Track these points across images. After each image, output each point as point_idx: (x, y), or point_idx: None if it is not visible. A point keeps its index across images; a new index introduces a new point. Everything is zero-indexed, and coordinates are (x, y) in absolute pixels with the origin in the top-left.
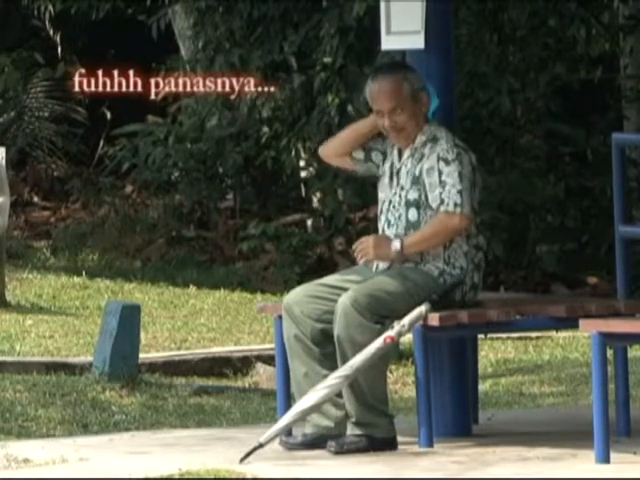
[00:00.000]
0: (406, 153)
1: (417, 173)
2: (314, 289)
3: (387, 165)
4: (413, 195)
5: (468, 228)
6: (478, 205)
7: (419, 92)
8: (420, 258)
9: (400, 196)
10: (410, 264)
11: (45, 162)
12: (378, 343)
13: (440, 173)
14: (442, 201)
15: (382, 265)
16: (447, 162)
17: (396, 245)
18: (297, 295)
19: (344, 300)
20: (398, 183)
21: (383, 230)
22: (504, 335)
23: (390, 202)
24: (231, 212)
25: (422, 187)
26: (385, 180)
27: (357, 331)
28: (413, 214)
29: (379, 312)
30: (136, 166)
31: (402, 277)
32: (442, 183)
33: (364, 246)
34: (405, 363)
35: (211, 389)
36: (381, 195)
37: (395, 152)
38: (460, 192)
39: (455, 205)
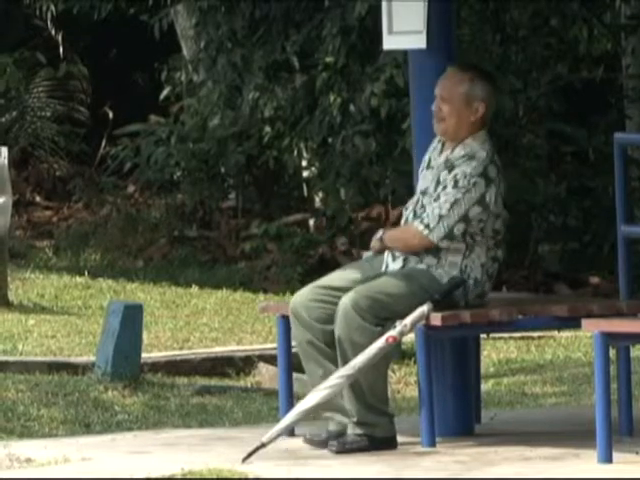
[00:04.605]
0: (442, 157)
1: (441, 180)
2: (319, 292)
3: (426, 156)
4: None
5: (426, 248)
6: (502, 225)
7: (476, 100)
8: (437, 262)
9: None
10: (422, 266)
11: (47, 162)
12: (380, 343)
13: (444, 187)
14: (421, 215)
15: (392, 265)
16: (455, 184)
17: (380, 233)
18: (303, 300)
19: (345, 301)
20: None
21: (407, 219)
22: (506, 335)
23: (423, 193)
24: (233, 212)
25: None
26: (422, 171)
27: (357, 333)
28: None
29: (380, 314)
30: (138, 166)
31: (408, 279)
32: (437, 198)
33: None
34: (407, 363)
35: (213, 389)
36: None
37: (438, 147)
38: (440, 217)
39: (426, 226)
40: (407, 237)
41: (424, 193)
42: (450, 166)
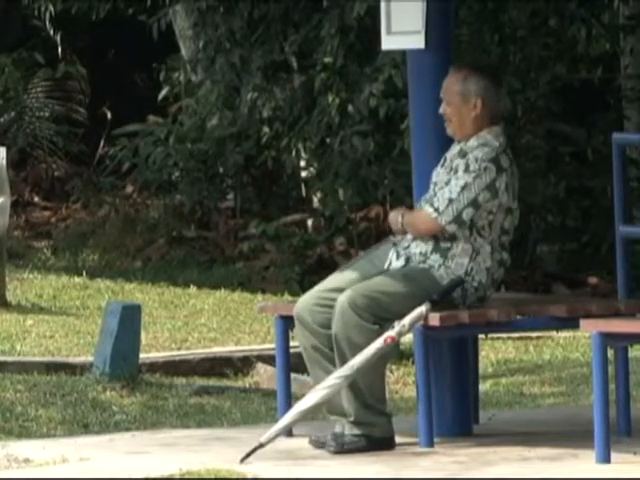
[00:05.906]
0: (456, 148)
1: (453, 167)
2: (321, 296)
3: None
4: None
5: (437, 233)
6: (511, 225)
7: (472, 96)
8: (443, 261)
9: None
10: (424, 265)
11: (46, 162)
12: (378, 343)
13: (456, 172)
14: (431, 199)
15: (395, 263)
16: (466, 169)
17: (400, 217)
18: (307, 304)
19: (342, 299)
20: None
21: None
22: (505, 335)
23: (435, 184)
24: (232, 212)
25: None
26: (437, 168)
27: (355, 332)
28: None
29: (378, 314)
30: (137, 166)
31: (407, 279)
32: (448, 182)
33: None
34: (406, 363)
35: (212, 389)
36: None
37: (455, 142)
38: (450, 200)
39: (435, 210)
40: (417, 222)
41: (436, 184)
42: (463, 154)
